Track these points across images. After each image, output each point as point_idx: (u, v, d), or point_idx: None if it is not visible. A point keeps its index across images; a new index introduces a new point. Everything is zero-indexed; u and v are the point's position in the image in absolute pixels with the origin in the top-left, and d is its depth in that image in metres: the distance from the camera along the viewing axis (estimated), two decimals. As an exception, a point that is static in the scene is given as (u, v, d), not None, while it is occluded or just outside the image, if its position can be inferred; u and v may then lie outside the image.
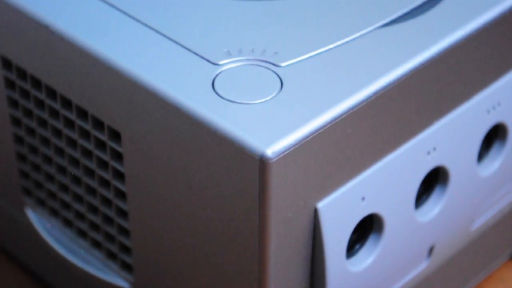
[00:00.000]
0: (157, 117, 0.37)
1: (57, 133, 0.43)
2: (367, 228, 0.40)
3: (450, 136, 0.41)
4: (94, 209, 0.44)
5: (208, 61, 0.38)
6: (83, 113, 0.41)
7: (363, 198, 0.39)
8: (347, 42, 0.39)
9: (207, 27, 0.39)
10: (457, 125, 0.41)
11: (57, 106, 0.42)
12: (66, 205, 0.45)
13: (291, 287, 0.39)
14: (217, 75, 0.37)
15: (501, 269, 0.51)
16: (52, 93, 0.42)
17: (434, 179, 0.42)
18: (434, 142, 0.41)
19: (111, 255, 0.45)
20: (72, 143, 0.43)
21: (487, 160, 0.44)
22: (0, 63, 0.43)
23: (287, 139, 0.35)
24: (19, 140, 0.46)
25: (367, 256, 0.40)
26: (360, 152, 0.38)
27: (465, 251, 0.47)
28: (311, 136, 0.35)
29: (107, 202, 0.43)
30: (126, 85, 0.38)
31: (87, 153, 0.42)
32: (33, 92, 0.43)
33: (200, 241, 0.39)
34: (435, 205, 0.42)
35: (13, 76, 0.43)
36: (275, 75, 0.37)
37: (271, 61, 0.38)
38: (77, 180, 0.44)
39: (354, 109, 0.36)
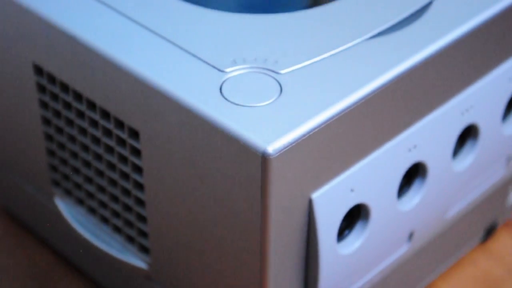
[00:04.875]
0: (171, 118, 0.37)
1: (83, 131, 0.43)
2: (355, 216, 0.40)
3: (428, 135, 0.41)
4: (115, 199, 0.44)
5: (217, 68, 0.38)
6: (105, 114, 0.41)
7: (352, 190, 0.39)
8: (338, 52, 0.39)
9: (215, 38, 0.39)
10: (435, 125, 0.41)
11: (82, 107, 0.42)
12: (91, 195, 0.45)
13: (288, 266, 0.39)
14: (224, 81, 0.37)
15: (472, 252, 0.51)
16: (78, 96, 0.42)
17: (414, 173, 0.42)
18: (414, 140, 0.41)
19: (130, 239, 0.45)
20: (96, 140, 0.43)
21: (461, 157, 0.44)
22: (32, 70, 0.43)
23: (286, 138, 0.35)
24: (49, 137, 0.46)
25: (355, 240, 0.40)
26: (349, 149, 0.38)
27: (440, 237, 0.47)
28: (307, 135, 0.35)
29: (126, 192, 0.43)
30: (144, 89, 0.38)
31: (109, 149, 0.42)
32: (62, 95, 0.43)
33: (209, 227, 0.39)
34: (415, 196, 0.42)
35: (44, 81, 0.43)
36: (275, 81, 0.37)
37: (272, 68, 0.38)
38: (100, 173, 0.44)
39: (345, 112, 0.36)
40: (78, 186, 0.46)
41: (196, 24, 0.40)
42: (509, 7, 0.42)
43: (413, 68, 0.39)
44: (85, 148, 0.44)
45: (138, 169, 0.41)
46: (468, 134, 0.44)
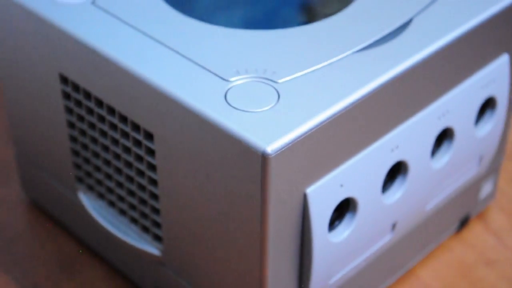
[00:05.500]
0: (182, 121, 0.37)
1: (103, 133, 0.43)
2: (345, 208, 0.40)
3: (409, 137, 0.41)
4: (132, 193, 0.44)
5: (222, 78, 0.38)
6: (123, 118, 0.41)
7: (341, 185, 0.39)
8: (329, 63, 0.39)
9: (221, 51, 0.39)
10: (415, 128, 0.41)
11: (103, 112, 0.42)
12: (110, 190, 0.45)
13: (285, 253, 0.39)
14: (228, 89, 0.37)
15: (448, 241, 0.51)
16: (99, 102, 0.42)
17: (397, 171, 0.42)
18: (397, 141, 0.41)
19: (145, 229, 0.45)
20: (115, 141, 0.43)
21: (438, 156, 0.44)
22: (59, 79, 0.43)
23: (283, 140, 0.35)
24: (73, 139, 0.45)
25: (345, 230, 0.40)
26: (339, 149, 0.38)
27: (420, 227, 0.47)
28: (302, 137, 0.35)
29: (142, 187, 0.43)
30: (158, 96, 0.38)
31: (127, 149, 0.42)
32: (84, 101, 0.43)
33: (214, 218, 0.39)
34: (397, 191, 0.42)
35: (68, 89, 0.43)
36: (274, 89, 0.37)
37: (271, 78, 0.38)
38: (118, 170, 0.44)
39: (335, 116, 0.36)
40: (99, 182, 0.46)
41: (204, 39, 0.40)
42: (479, 25, 0.42)
43: (395, 78, 0.39)
44: (105, 148, 0.44)
45: (152, 167, 0.41)
46: (445, 136, 0.44)
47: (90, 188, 0.47)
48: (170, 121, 0.38)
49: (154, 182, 0.42)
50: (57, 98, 0.44)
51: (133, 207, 0.44)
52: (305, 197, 0.37)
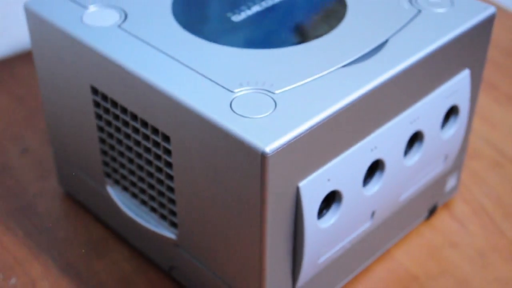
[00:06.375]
0: (194, 126, 0.37)
1: (127, 136, 0.43)
2: (331, 199, 0.40)
3: (386, 139, 0.41)
4: (151, 186, 0.44)
5: (228, 89, 0.38)
6: (144, 123, 0.41)
7: (329, 180, 0.38)
8: (318, 77, 0.39)
9: (227, 67, 0.39)
10: (391, 131, 0.41)
11: (127, 118, 0.42)
12: (133, 184, 0.45)
13: (281, 237, 0.39)
14: (233, 99, 0.37)
15: (419, 227, 0.51)
16: (124, 110, 0.42)
17: (375, 167, 0.42)
18: (375, 143, 0.40)
19: (163, 217, 0.44)
20: (137, 143, 0.43)
21: (410, 155, 0.44)
22: (90, 91, 0.43)
23: (279, 141, 0.35)
24: (102, 140, 0.45)
25: (331, 217, 0.40)
26: (327, 149, 0.38)
27: (395, 215, 0.47)
28: (295, 139, 0.35)
29: (160, 182, 0.43)
30: (173, 104, 0.38)
31: (147, 150, 0.42)
32: (112, 109, 0.43)
33: (221, 208, 0.39)
34: (376, 184, 0.42)
35: (98, 99, 0.43)
36: (271, 99, 0.37)
37: (269, 89, 0.38)
38: (140, 167, 0.44)
39: (323, 121, 0.36)
40: (124, 177, 0.46)
41: (213, 57, 0.40)
42: (444, 45, 0.42)
43: (374, 89, 0.39)
44: (129, 148, 0.44)
45: (169, 164, 0.41)
46: (416, 138, 0.44)
47: (116, 182, 0.47)
48: (184, 125, 0.38)
49: (170, 177, 0.42)
50: (88, 106, 0.44)
51: (152, 198, 0.44)
52: (298, 190, 0.37)
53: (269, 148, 0.34)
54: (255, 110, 0.36)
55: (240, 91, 0.38)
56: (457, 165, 0.51)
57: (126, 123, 0.43)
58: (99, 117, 0.44)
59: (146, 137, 0.42)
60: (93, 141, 0.46)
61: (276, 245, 0.39)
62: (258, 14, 0.44)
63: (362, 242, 0.45)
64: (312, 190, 0.38)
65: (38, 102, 0.61)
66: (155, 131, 0.41)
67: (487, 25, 0.44)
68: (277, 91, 0.38)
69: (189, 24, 0.42)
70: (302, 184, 0.37)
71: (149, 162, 0.43)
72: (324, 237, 0.40)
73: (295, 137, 0.35)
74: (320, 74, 0.39)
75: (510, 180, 0.55)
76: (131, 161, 0.44)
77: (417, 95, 0.42)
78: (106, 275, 0.47)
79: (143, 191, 0.45)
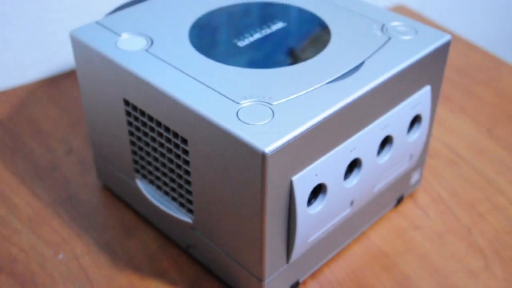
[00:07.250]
0: (207, 131, 0.37)
1: (153, 139, 0.43)
2: (318, 190, 0.40)
3: (363, 141, 0.41)
4: (172, 180, 0.44)
5: (235, 101, 0.38)
6: (167, 129, 0.41)
7: (316, 175, 0.39)
8: (309, 91, 0.39)
9: (234, 83, 0.39)
10: (367, 135, 0.41)
11: (153, 124, 0.42)
12: (158, 178, 0.45)
13: (278, 222, 0.39)
14: (239, 109, 0.37)
15: (388, 213, 0.51)
16: (150, 118, 0.42)
17: (354, 165, 0.42)
18: (354, 145, 0.40)
19: (182, 205, 0.44)
20: (161, 144, 0.43)
21: (382, 155, 0.44)
22: (123, 102, 0.43)
23: (276, 144, 0.35)
24: (132, 143, 0.45)
25: (318, 205, 0.40)
26: (315, 150, 0.38)
27: (369, 203, 0.47)
28: (289, 142, 0.36)
29: (179, 176, 0.43)
30: (191, 114, 0.38)
31: (169, 150, 0.42)
32: (140, 117, 0.43)
33: (229, 199, 0.39)
34: (354, 178, 0.42)
35: (129, 109, 0.43)
36: (270, 109, 0.37)
37: (268, 101, 0.38)
38: (163, 164, 0.44)
39: (312, 127, 0.36)
40: (150, 172, 0.46)
41: (222, 75, 0.40)
42: (410, 65, 0.42)
43: (353, 102, 0.39)
44: (154, 149, 0.44)
45: (186, 162, 0.41)
46: (387, 141, 0.44)
47: (144, 176, 0.47)
48: (199, 130, 0.38)
49: (187, 172, 0.42)
50: (121, 115, 0.44)
51: (173, 189, 0.44)
52: (291, 183, 0.38)
53: (268, 149, 0.35)
54: (257, 118, 0.37)
55: (244, 103, 0.38)
56: (420, 163, 0.51)
57: (152, 129, 0.43)
58: (130, 124, 0.44)
59: (168, 140, 0.42)
60: (125, 143, 0.46)
61: (274, 227, 0.39)
62: (259, 40, 0.44)
63: (343, 225, 0.45)
64: (303, 183, 0.38)
65: (81, 111, 0.61)
66: (176, 135, 0.41)
67: (444, 49, 0.45)
68: (274, 103, 0.38)
69: (203, 48, 0.43)
70: (294, 178, 0.37)
71: (171, 160, 0.43)
72: (313, 221, 0.40)
73: (289, 140, 0.36)
74: (310, 89, 0.39)
75: (463, 175, 0.55)
76: (156, 159, 0.44)
77: (388, 106, 0.43)
78: (136, 252, 0.47)
79: (165, 184, 0.45)
